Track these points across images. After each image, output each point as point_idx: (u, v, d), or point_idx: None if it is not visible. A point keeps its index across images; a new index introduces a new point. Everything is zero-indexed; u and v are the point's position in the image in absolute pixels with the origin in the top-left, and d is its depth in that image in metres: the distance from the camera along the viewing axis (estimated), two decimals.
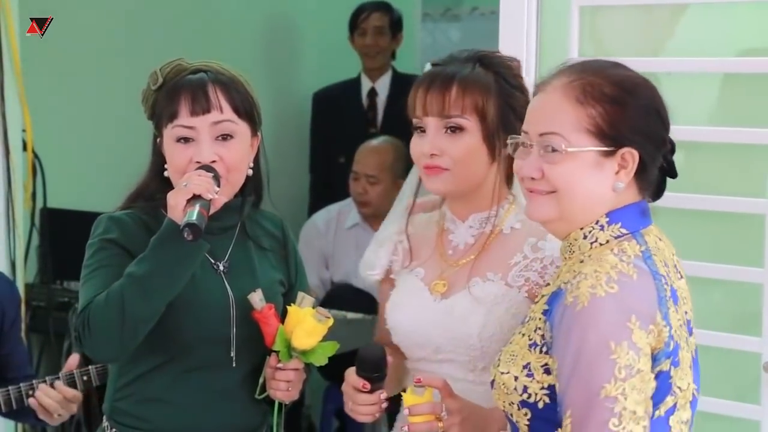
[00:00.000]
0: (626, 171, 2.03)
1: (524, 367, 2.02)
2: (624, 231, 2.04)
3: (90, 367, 3.00)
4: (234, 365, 2.45)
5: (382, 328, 2.52)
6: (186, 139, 2.42)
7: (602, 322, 1.92)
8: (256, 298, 2.41)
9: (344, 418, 4.81)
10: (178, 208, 2.30)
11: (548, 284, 2.11)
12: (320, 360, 2.43)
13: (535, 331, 2.03)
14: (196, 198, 2.30)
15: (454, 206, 2.46)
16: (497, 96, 2.36)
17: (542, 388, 2.00)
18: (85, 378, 2.99)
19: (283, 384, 2.43)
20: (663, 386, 1.99)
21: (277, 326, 2.41)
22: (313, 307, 2.43)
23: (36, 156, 4.28)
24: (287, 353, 2.41)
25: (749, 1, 2.92)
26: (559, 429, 1.97)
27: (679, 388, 2.02)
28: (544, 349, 2.00)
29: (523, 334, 2.06)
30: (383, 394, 2.34)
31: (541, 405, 2.00)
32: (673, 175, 2.13)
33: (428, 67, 2.43)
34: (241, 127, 2.45)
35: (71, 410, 2.95)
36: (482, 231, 2.42)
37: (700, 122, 2.92)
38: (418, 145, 2.39)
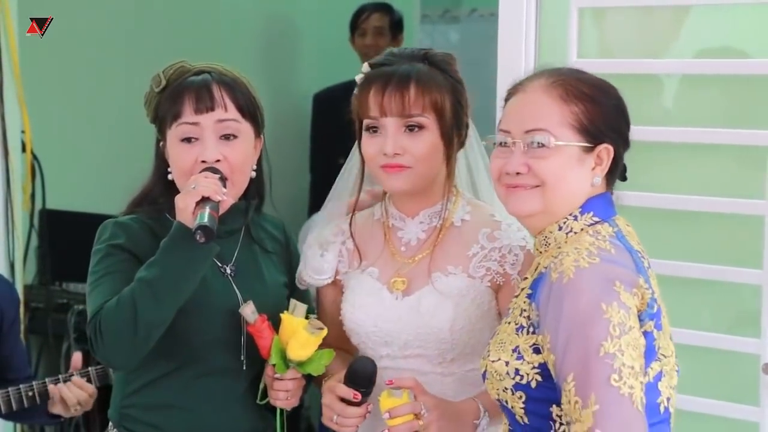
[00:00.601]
0: (602, 167, 2.14)
1: (513, 351, 2.09)
2: (596, 219, 2.14)
3: (90, 368, 3.00)
4: (245, 368, 2.45)
5: (331, 331, 2.49)
6: (190, 139, 2.41)
7: (590, 288, 2.00)
8: (248, 311, 2.39)
9: None
10: (187, 210, 2.29)
11: (525, 278, 2.19)
12: (317, 370, 2.42)
13: (520, 315, 2.11)
14: (205, 200, 2.30)
15: (403, 203, 2.47)
16: (450, 93, 2.40)
17: (533, 368, 2.06)
18: (85, 379, 3.00)
19: (282, 393, 2.43)
20: (649, 347, 2.05)
21: (271, 338, 2.39)
22: (307, 315, 2.41)
23: (35, 157, 4.29)
24: (283, 365, 2.40)
25: (749, 3, 2.91)
26: (554, 405, 2.04)
27: (663, 354, 2.09)
28: (531, 330, 2.08)
29: (509, 323, 2.13)
30: (370, 406, 2.35)
31: (534, 384, 2.06)
32: (625, 177, 2.23)
33: (366, 68, 2.46)
34: (245, 127, 2.46)
35: (89, 406, 2.96)
36: (432, 226, 2.45)
37: (699, 124, 2.92)
38: (373, 145, 2.40)
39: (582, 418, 1.94)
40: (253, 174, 2.50)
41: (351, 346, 2.55)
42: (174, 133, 2.43)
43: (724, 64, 2.91)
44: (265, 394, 2.46)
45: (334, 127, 5.57)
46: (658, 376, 2.07)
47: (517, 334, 2.09)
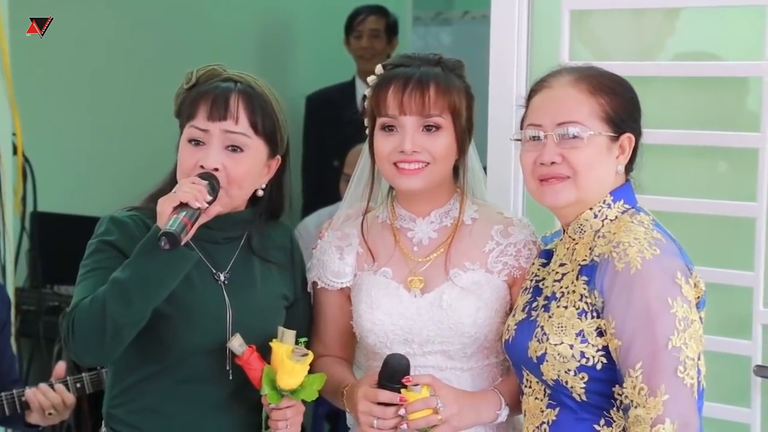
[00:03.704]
0: (624, 155, 2.30)
1: (577, 334, 2.23)
2: (627, 206, 2.31)
3: (83, 374, 3.00)
4: (231, 377, 2.42)
5: (333, 337, 2.52)
6: (197, 142, 2.41)
7: (657, 281, 2.16)
8: (236, 343, 2.36)
9: (335, 421, 4.80)
10: (164, 215, 2.28)
11: (563, 264, 2.30)
12: (310, 395, 2.39)
13: (580, 300, 2.24)
14: (183, 206, 2.28)
15: (414, 204, 2.51)
16: (465, 96, 2.47)
17: (598, 350, 2.22)
18: (78, 385, 2.99)
19: (282, 423, 2.40)
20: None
21: (261, 368, 2.36)
22: (297, 340, 2.37)
23: (26, 160, 4.28)
24: (275, 394, 2.36)
25: (740, 6, 2.92)
26: (617, 386, 2.20)
27: (702, 335, 2.25)
28: (594, 314, 2.22)
29: (566, 307, 2.25)
30: (405, 400, 2.35)
31: (599, 366, 2.21)
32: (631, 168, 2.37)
33: (380, 69, 2.49)
34: (255, 143, 2.43)
35: (64, 416, 2.95)
36: (443, 225, 2.49)
37: (692, 126, 2.93)
38: (389, 143, 2.44)
39: (648, 404, 2.13)
40: (260, 193, 2.48)
41: (349, 351, 2.57)
42: (185, 132, 2.44)
43: (713, 67, 2.92)
44: (267, 425, 2.42)
45: (328, 129, 5.60)
46: (699, 356, 2.20)
47: (580, 319, 2.23)
